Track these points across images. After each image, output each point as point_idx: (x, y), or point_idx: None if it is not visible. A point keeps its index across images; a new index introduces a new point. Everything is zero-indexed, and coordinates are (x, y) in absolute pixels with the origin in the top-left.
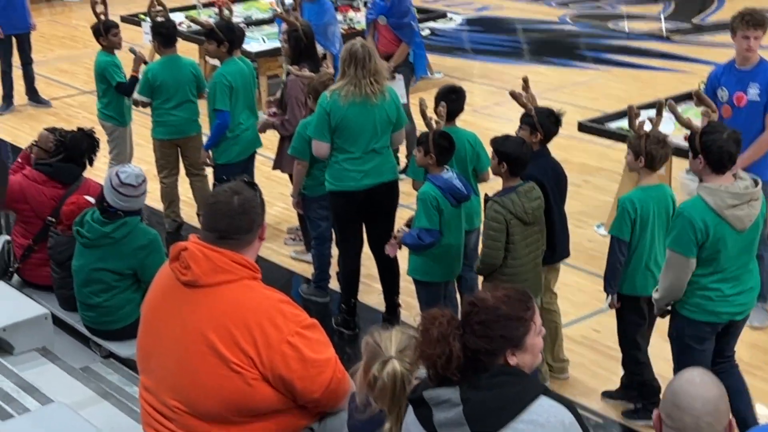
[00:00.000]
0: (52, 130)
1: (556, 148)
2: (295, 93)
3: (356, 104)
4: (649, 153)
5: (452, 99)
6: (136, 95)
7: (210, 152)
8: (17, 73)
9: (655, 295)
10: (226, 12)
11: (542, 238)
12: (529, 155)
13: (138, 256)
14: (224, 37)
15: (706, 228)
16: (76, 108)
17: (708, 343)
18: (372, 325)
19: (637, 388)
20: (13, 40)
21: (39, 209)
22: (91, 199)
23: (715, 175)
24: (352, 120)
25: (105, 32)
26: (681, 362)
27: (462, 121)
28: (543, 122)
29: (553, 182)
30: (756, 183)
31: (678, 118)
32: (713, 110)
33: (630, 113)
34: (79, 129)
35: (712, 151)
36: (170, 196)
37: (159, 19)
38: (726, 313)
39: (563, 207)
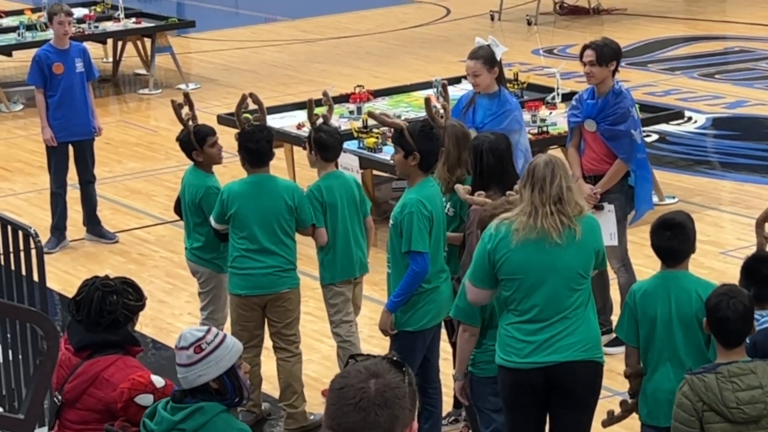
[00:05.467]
0: (90, 283)
1: None
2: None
3: (530, 243)
4: None
5: (666, 237)
6: (212, 221)
7: (393, 316)
8: (73, 196)
9: None
10: (372, 109)
11: None
12: (739, 313)
13: None
14: (416, 146)
15: None
16: (153, 245)
17: None
18: None
19: None
20: (70, 149)
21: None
22: (159, 380)
23: None
24: (521, 266)
25: (199, 143)
26: None
27: (706, 268)
28: None
29: None
30: None
31: None
32: None
33: None
34: (94, 280)
35: None
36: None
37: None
38: None
39: None
